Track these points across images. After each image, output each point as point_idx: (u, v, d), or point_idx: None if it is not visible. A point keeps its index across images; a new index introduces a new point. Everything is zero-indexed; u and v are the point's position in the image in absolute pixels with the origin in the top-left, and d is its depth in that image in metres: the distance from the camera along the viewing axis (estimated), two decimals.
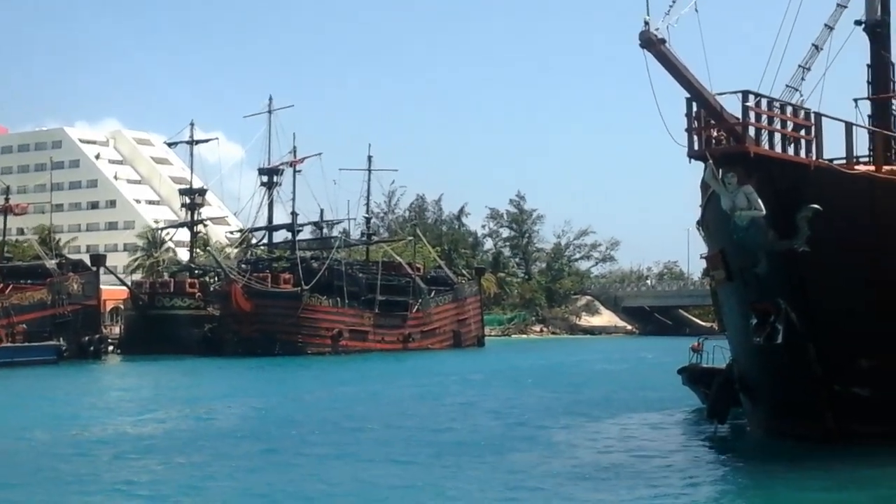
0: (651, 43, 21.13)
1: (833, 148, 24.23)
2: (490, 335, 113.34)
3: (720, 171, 22.43)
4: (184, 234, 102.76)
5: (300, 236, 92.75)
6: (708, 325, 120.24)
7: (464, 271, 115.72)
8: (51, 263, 78.21)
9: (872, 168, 24.20)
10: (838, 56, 28.60)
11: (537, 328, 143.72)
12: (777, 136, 23.51)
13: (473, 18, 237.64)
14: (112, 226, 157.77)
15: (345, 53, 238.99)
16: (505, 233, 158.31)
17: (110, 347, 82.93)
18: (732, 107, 22.53)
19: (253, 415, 35.85)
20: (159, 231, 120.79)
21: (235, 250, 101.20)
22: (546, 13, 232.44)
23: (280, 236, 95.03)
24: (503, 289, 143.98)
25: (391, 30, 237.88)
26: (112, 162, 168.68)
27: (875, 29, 27.87)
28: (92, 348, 74.18)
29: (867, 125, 27.05)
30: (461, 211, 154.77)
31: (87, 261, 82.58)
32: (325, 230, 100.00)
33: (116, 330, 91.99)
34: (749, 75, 49.13)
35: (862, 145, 25.80)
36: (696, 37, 22.79)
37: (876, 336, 23.62)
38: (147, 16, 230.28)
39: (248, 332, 78.77)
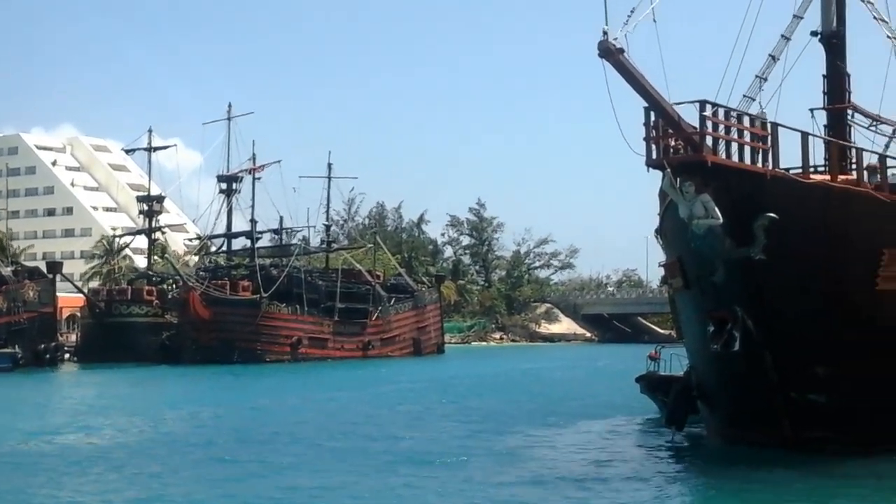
0: (609, 52, 21.21)
1: (789, 157, 24.44)
2: (450, 343, 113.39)
3: (678, 179, 22.54)
4: (142, 242, 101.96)
5: (259, 244, 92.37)
6: (666, 332, 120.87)
7: (424, 279, 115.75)
8: (6, 271, 77.54)
9: (828, 177, 24.42)
10: (794, 66, 28.85)
11: (497, 336, 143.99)
12: (734, 146, 23.66)
13: (431, 24, 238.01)
14: (69, 233, 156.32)
15: (304, 60, 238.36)
16: (465, 240, 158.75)
17: (67, 355, 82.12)
18: (690, 116, 22.65)
19: (207, 424, 35.46)
20: (117, 238, 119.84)
21: (194, 258, 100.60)
22: (503, 22, 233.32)
23: (239, 244, 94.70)
24: (463, 296, 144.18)
25: (348, 37, 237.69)
26: (69, 168, 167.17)
27: (831, 40, 28.14)
28: (48, 356, 73.47)
29: (823, 135, 27.29)
30: (421, 218, 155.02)
31: (44, 268, 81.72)
32: (284, 238, 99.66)
33: (73, 338, 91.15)
34: (707, 85, 49.24)
35: (818, 155, 26.03)
36: (654, 47, 22.95)
37: (832, 343, 23.79)
38: (104, 22, 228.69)
39: (206, 339, 78.30)
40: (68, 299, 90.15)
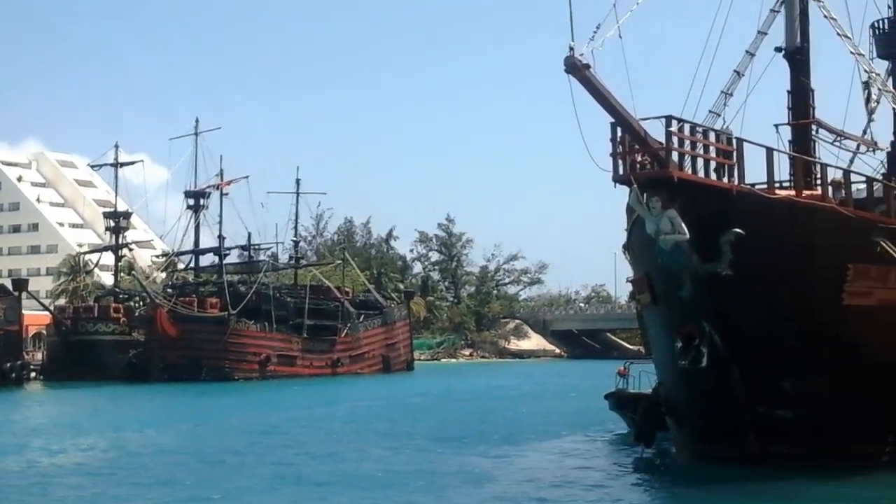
0: (576, 68, 21.25)
1: (755, 173, 24.55)
2: (419, 359, 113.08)
3: (644, 195, 22.59)
4: (108, 258, 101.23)
5: (227, 260, 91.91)
6: (635, 348, 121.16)
7: (393, 295, 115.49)
8: None
9: (793, 193, 24.52)
10: (759, 82, 29.09)
11: (466, 352, 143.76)
12: (700, 161, 23.73)
13: (401, 36, 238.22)
14: (34, 249, 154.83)
15: (272, 76, 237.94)
16: (434, 256, 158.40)
17: (32, 374, 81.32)
18: (656, 132, 22.74)
19: (172, 443, 35.11)
20: (83, 255, 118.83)
21: (161, 274, 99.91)
22: (473, 37, 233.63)
23: (207, 260, 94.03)
24: (432, 312, 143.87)
25: (315, 52, 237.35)
26: (34, 184, 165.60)
27: (795, 56, 28.36)
28: (13, 375, 72.62)
29: (788, 150, 27.43)
30: (390, 234, 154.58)
31: (9, 285, 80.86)
32: (252, 254, 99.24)
33: (39, 356, 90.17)
34: (672, 101, 49.76)
35: (783, 170, 26.16)
36: (620, 63, 23.00)
37: (798, 359, 23.87)
38: (69, 37, 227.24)
39: (173, 357, 77.70)
40: (34, 317, 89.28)
